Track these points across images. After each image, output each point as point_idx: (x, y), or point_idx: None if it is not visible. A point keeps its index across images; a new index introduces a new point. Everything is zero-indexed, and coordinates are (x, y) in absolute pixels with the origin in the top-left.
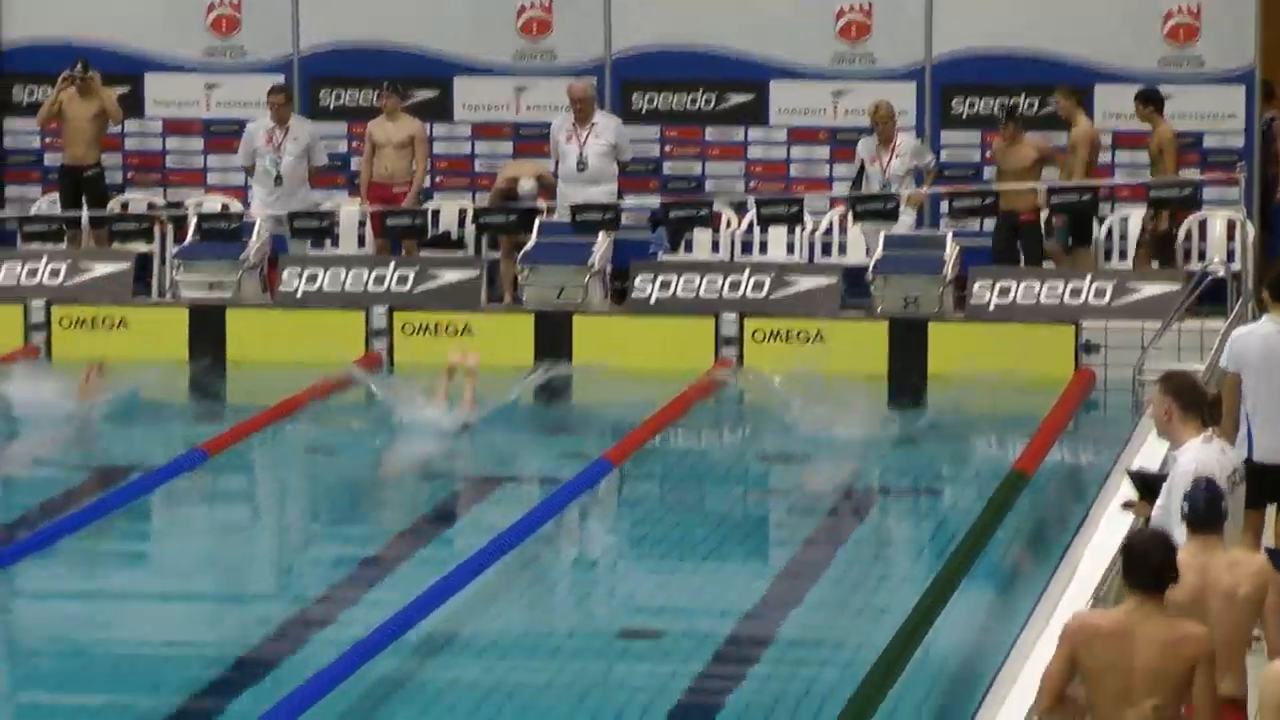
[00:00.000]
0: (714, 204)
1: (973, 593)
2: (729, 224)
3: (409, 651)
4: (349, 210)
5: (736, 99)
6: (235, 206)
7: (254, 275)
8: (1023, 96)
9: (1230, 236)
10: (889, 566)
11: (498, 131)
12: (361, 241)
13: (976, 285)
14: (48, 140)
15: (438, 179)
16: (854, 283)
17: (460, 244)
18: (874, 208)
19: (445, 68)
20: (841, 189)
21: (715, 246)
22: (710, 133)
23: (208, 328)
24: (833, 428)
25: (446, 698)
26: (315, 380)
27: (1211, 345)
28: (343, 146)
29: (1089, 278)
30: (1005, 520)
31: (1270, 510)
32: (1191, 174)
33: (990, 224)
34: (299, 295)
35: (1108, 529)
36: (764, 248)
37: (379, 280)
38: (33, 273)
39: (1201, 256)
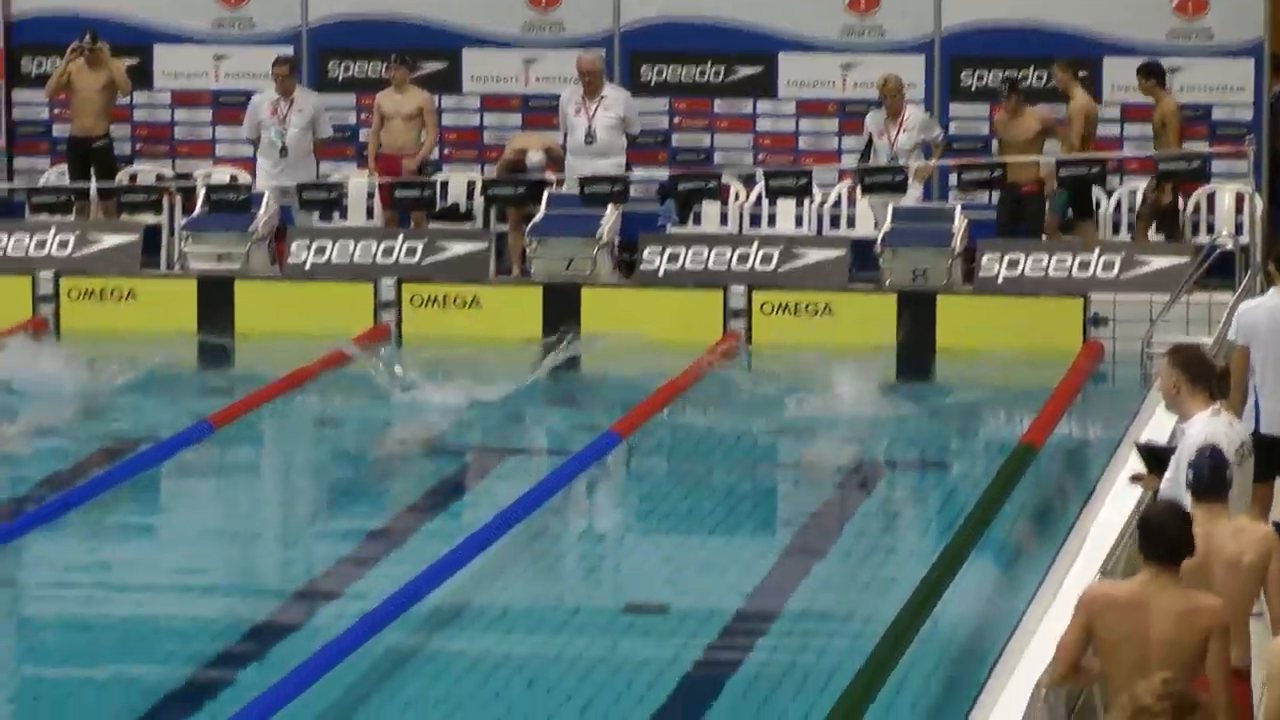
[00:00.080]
0: (722, 176)
1: (981, 565)
2: (737, 196)
3: (417, 624)
4: (357, 182)
5: (745, 71)
6: (244, 178)
7: (262, 247)
8: (1031, 69)
9: (1239, 210)
10: (897, 539)
11: (506, 104)
12: (370, 213)
13: (985, 258)
14: (56, 111)
15: (446, 151)
16: (862, 255)
17: (469, 216)
18: (882, 180)
19: (454, 39)
20: (850, 162)
21: (724, 219)
22: (719, 105)
23: (216, 299)
24: (841, 401)
25: (454, 670)
26: (320, 354)
27: (1219, 318)
28: (351, 118)
29: (1097, 251)
30: (1013, 493)
31: (1278, 483)
32: (1199, 147)
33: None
34: (307, 267)
35: (1116, 502)
36: (772, 220)
37: (387, 252)
38: (41, 244)
39: (1210, 229)
